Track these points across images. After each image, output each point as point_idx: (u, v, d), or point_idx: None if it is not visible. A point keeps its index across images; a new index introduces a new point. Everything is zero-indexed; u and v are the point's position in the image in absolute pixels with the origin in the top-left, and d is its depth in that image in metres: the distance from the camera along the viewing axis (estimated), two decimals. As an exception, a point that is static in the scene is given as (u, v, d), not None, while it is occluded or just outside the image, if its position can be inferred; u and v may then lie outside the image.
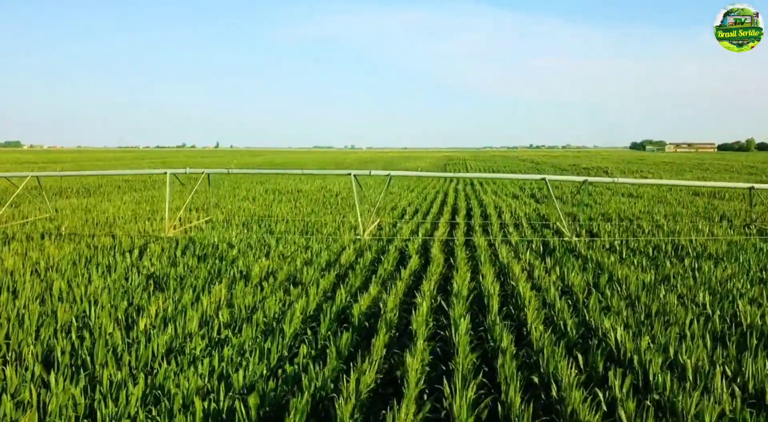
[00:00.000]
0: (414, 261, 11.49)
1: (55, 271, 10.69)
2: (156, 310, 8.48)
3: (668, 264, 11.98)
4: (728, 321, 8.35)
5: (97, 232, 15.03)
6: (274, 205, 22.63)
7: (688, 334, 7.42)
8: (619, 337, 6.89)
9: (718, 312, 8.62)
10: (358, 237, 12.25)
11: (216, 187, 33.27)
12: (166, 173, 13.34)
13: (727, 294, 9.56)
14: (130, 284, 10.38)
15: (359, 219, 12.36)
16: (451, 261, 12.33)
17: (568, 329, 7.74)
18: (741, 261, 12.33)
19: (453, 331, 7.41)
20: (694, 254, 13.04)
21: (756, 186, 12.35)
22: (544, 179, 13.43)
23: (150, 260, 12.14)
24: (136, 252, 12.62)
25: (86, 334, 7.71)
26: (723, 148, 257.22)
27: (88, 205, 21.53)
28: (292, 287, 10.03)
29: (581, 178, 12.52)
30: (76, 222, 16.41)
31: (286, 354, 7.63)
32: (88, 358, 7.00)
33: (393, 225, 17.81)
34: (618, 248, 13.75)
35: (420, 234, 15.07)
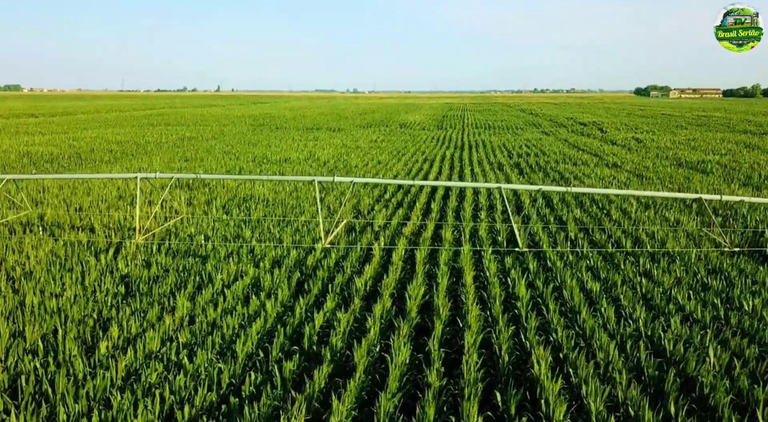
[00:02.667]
0: (373, 269, 11.95)
1: (30, 279, 11.20)
2: (119, 331, 9.00)
3: (622, 265, 12.44)
4: (656, 342, 8.86)
5: (77, 223, 15.49)
6: (258, 181, 22.97)
7: (611, 367, 7.94)
8: (542, 375, 7.39)
9: (648, 331, 9.13)
10: (321, 244, 12.64)
11: (207, 152, 33.59)
12: (137, 178, 13.65)
13: (664, 309, 10.05)
14: (102, 290, 10.91)
15: (321, 227, 12.72)
16: (415, 256, 12.81)
17: (501, 355, 8.26)
18: (693, 260, 12.78)
19: (390, 361, 7.94)
20: (651, 250, 13.47)
21: (704, 196, 12.64)
22: (499, 188, 13.73)
23: (125, 260, 12.65)
24: (112, 250, 13.11)
25: (50, 359, 8.28)
26: (728, 93, 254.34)
27: (76, 181, 21.89)
28: (253, 296, 10.54)
29: (536, 187, 12.81)
30: (59, 210, 16.85)
31: (238, 374, 8.21)
32: (50, 389, 7.57)
33: (371, 209, 18.26)
34: (581, 241, 14.18)
35: (391, 225, 15.52)
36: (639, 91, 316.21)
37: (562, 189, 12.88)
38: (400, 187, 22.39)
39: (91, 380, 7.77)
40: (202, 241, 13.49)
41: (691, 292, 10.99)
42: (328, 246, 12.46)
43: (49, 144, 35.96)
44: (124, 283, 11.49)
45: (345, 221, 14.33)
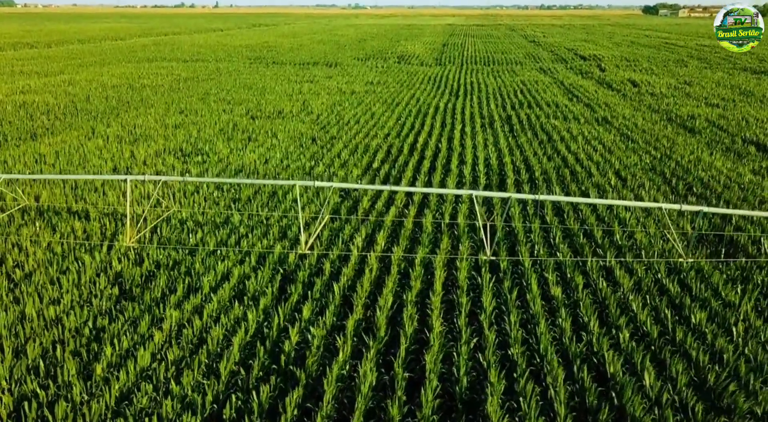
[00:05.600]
0: (351, 269, 12.68)
1: (30, 283, 11.97)
2: (112, 349, 9.83)
3: (589, 261, 13.11)
4: (602, 363, 9.67)
5: (73, 206, 16.14)
6: (250, 144, 23.41)
7: (556, 397, 8.79)
8: (490, 410, 8.26)
9: (597, 348, 9.94)
10: (301, 252, 13.30)
11: (202, 101, 33.75)
12: (126, 179, 14.13)
13: (617, 321, 10.80)
14: (96, 293, 11.72)
15: (301, 232, 13.34)
16: (393, 250, 13.55)
17: (460, 378, 9.11)
18: (656, 256, 13.47)
19: (357, 386, 8.80)
20: (618, 244, 14.13)
21: (664, 206, 13.17)
22: (471, 194, 14.24)
23: (118, 253, 13.41)
24: (106, 244, 13.83)
25: (50, 381, 9.16)
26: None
27: (71, 151, 22.32)
28: (237, 304, 11.33)
29: (506, 195, 13.30)
30: (55, 188, 17.45)
31: (222, 392, 9.13)
32: (50, 416, 8.46)
33: (358, 181, 18.84)
34: (553, 231, 14.81)
35: (375, 209, 16.15)
36: (647, 9, 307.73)
37: (531, 196, 13.42)
38: (389, 152, 22.85)
39: (88, 404, 8.66)
40: (190, 240, 14.15)
41: (648, 297, 11.74)
42: (308, 252, 13.14)
43: (45, 90, 36.06)
44: (117, 284, 12.28)
45: (327, 218, 14.93)
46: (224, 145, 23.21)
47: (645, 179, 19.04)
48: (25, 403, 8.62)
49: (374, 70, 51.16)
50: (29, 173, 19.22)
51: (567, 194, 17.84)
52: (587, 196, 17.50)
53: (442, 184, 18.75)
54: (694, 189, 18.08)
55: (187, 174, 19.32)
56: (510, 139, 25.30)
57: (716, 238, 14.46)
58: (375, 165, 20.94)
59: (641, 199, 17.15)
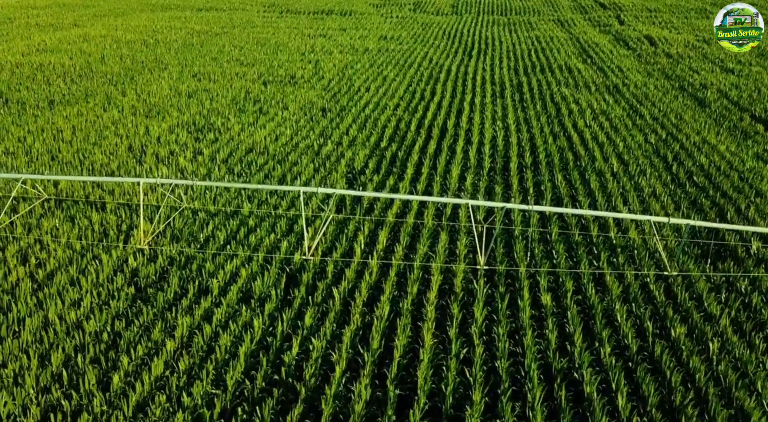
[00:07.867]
0: (352, 271, 13.35)
1: (52, 284, 12.79)
2: (129, 359, 10.68)
3: (581, 265, 13.66)
4: (579, 381, 10.37)
5: (91, 195, 16.86)
6: (261, 118, 23.81)
7: (530, 412, 9.54)
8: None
9: (577, 364, 10.63)
10: (304, 257, 13.89)
11: (215, 61, 33.96)
12: (139, 182, 14.72)
13: (600, 333, 11.43)
14: (113, 293, 12.55)
15: (305, 239, 13.93)
16: (394, 248, 14.20)
17: (447, 395, 9.88)
18: (647, 257, 13.98)
19: (352, 406, 9.61)
20: (613, 243, 14.63)
21: (652, 219, 13.55)
22: (467, 204, 14.67)
23: (133, 252, 14.16)
24: (122, 238, 14.59)
25: (73, 392, 10.05)
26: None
27: (87, 120, 22.91)
28: (244, 308, 12.10)
29: (502, 205, 13.74)
30: (73, 174, 18.13)
31: (229, 400, 10.01)
32: (74, 428, 9.39)
33: (364, 165, 19.36)
34: (550, 227, 15.29)
35: (380, 202, 16.70)
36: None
37: (525, 207, 13.85)
38: (397, 128, 23.19)
39: (108, 415, 9.56)
40: (202, 233, 14.83)
41: (633, 305, 12.33)
42: (310, 257, 13.78)
43: (60, 49, 36.31)
44: (133, 282, 13.09)
45: (331, 216, 15.50)
46: (236, 119, 23.65)
47: (647, 165, 19.33)
48: (51, 415, 9.53)
49: (389, 20, 50.69)
50: (48, 156, 19.93)
51: (567, 182, 18.24)
52: (588, 184, 17.90)
53: (447, 170, 19.16)
54: (695, 178, 18.37)
55: (199, 156, 19.89)
56: (519, 111, 25.47)
57: (708, 237, 14.88)
58: (383, 144, 21.35)
59: (641, 190, 17.51)
